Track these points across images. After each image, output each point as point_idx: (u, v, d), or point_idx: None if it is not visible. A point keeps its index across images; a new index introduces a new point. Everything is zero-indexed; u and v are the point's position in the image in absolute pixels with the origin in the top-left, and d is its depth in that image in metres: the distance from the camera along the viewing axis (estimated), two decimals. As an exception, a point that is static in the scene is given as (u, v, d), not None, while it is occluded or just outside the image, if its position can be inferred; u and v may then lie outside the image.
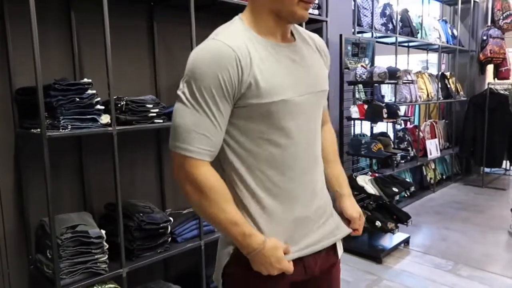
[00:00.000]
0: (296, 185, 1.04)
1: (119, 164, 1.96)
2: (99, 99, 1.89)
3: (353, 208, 1.23)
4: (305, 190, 1.06)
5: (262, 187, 1.01)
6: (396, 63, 4.31)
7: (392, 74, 3.15)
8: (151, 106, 2.10)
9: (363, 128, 4.18)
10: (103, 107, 1.91)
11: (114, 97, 1.96)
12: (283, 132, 0.99)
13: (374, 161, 3.98)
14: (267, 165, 1.00)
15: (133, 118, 2.03)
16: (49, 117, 1.77)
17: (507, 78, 6.01)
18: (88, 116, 1.85)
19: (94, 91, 1.87)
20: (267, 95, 0.95)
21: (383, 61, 5.91)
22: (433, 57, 6.11)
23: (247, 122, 0.98)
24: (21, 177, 1.95)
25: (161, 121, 2.13)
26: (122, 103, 2.02)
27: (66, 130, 1.77)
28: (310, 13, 2.96)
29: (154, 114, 2.10)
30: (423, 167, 5.10)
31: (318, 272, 1.11)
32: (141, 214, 2.09)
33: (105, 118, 1.91)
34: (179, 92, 0.96)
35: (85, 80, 1.87)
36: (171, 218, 2.20)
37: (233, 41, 0.94)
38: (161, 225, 2.12)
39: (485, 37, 5.83)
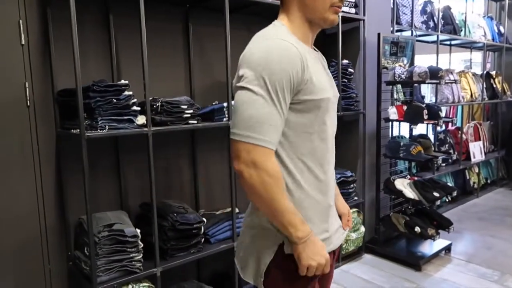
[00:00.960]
0: (329, 176, 1.16)
1: (154, 165, 1.98)
2: (135, 100, 1.93)
3: (343, 206, 1.35)
4: (333, 181, 1.20)
5: (304, 177, 1.09)
6: (437, 62, 4.13)
7: (434, 74, 3.01)
8: (185, 107, 2.11)
9: (401, 130, 4.03)
10: (139, 108, 1.94)
11: (150, 98, 1.99)
12: (325, 127, 1.11)
13: (413, 164, 3.83)
14: (308, 157, 1.09)
15: (168, 119, 2.05)
16: (88, 118, 1.82)
17: (560, 77, 5.62)
18: (125, 117, 1.89)
19: (130, 93, 1.91)
20: (318, 92, 1.06)
21: (423, 61, 5.70)
22: (477, 56, 5.82)
23: (297, 116, 1.05)
24: (61, 176, 2.02)
25: (195, 122, 2.14)
26: (157, 104, 2.04)
27: (104, 130, 1.81)
28: (346, 12, 2.89)
29: (189, 115, 2.12)
30: (466, 171, 4.86)
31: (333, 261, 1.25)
32: (175, 214, 2.11)
33: (141, 119, 1.94)
34: (246, 85, 0.99)
35: (122, 81, 1.91)
36: (204, 219, 2.21)
37: (295, 43, 1.04)
38: (194, 225, 2.13)
39: (535, 34, 5.48)
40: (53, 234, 2.02)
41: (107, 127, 1.82)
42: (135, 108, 1.92)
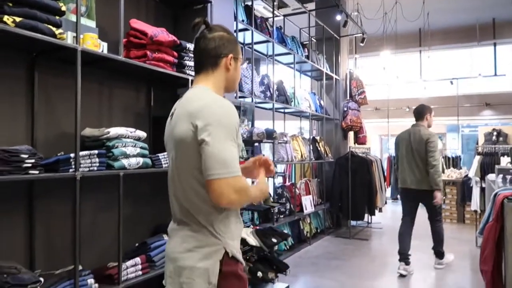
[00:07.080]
0: None
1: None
2: (-36, 147, 1.75)
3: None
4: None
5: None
6: (273, 126, 4.78)
7: (270, 135, 3.51)
8: (26, 156, 1.99)
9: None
10: (-32, 156, 1.76)
11: (-17, 146, 1.82)
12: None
13: (256, 215, 4.21)
14: None
15: (4, 168, 1.90)
16: None
17: (364, 143, 7.09)
18: (-51, 165, 1.69)
19: (-41, 138, 1.73)
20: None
21: (263, 125, 6.47)
22: (306, 124, 6.93)
23: None
24: None
25: (37, 172, 2.03)
26: (-8, 152, 1.88)
27: None
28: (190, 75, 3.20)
29: (30, 165, 2.00)
30: (300, 222, 5.54)
31: None
32: (5, 275, 1.88)
33: (-31, 168, 1.75)
34: (214, 135, 1.31)
35: (-51, 126, 1.73)
36: (41, 279, 2.02)
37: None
38: (29, 286, 1.93)
39: (345, 109, 6.87)
40: None
41: None
42: (-37, 155, 1.74)
